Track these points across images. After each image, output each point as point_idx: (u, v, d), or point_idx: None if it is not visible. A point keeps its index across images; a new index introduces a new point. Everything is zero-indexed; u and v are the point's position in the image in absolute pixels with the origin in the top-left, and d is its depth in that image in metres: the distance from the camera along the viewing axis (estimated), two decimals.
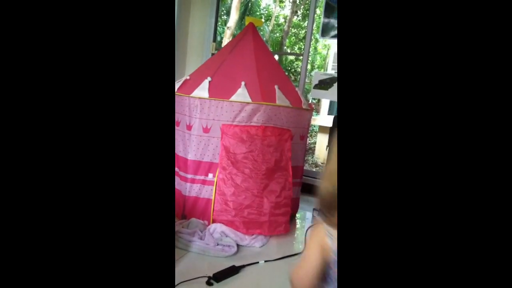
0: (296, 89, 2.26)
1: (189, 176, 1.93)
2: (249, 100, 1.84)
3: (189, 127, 1.90)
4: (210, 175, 1.91)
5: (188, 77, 2.12)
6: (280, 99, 1.95)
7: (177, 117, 2.01)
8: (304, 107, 2.11)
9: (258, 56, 2.11)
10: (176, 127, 2.03)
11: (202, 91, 1.88)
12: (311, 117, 2.28)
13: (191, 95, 1.88)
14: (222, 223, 1.86)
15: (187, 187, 1.94)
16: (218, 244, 1.74)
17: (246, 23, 2.32)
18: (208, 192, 1.92)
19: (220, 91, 1.88)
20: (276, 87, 1.99)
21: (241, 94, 1.86)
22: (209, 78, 1.93)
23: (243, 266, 1.60)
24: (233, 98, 1.84)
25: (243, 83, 1.90)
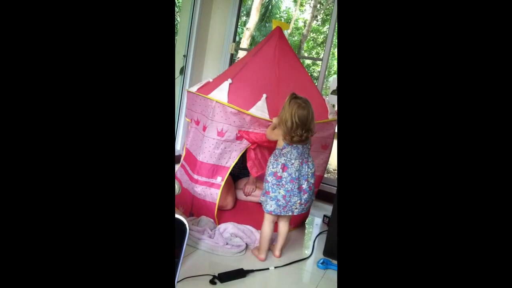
0: (324, 97, 2.20)
1: (196, 176, 1.91)
2: (266, 116, 1.81)
3: (204, 128, 1.89)
4: (219, 178, 1.90)
5: (210, 80, 2.12)
6: None
7: (197, 116, 2.01)
8: (330, 117, 2.05)
9: (283, 64, 2.07)
10: (195, 126, 2.03)
11: (221, 92, 1.86)
12: (336, 127, 2.20)
13: (209, 95, 1.87)
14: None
15: (193, 187, 1.93)
16: (227, 244, 1.75)
17: (273, 26, 2.26)
18: (213, 196, 1.90)
19: (239, 99, 1.83)
20: None
21: (260, 107, 1.82)
22: (229, 80, 1.90)
23: (252, 271, 1.58)
24: (252, 110, 1.80)
25: (264, 96, 1.86)
